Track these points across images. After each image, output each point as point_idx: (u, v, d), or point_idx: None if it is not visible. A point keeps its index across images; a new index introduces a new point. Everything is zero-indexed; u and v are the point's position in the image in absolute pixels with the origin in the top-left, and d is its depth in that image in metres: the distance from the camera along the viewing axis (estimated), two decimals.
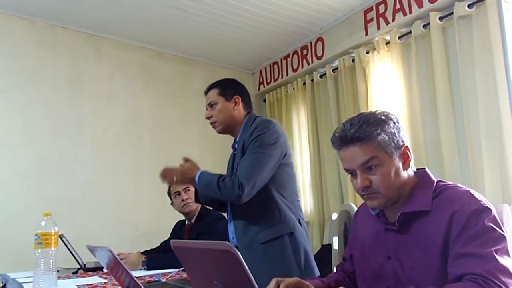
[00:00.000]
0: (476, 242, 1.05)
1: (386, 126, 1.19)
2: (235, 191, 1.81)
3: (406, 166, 1.21)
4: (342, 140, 1.21)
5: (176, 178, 1.94)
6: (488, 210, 1.09)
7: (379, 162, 1.17)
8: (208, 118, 2.07)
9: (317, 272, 1.93)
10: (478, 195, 1.13)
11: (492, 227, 1.07)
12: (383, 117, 1.21)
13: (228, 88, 2.08)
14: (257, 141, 1.89)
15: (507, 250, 1.05)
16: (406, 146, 1.22)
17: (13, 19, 3.41)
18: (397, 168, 1.19)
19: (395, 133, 1.20)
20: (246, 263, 1.74)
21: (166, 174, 1.96)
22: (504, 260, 1.02)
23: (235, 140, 2.11)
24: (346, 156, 1.21)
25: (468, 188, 1.16)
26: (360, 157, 1.18)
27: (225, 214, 2.65)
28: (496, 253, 1.03)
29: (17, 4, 3.31)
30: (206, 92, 2.11)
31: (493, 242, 1.05)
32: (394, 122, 1.21)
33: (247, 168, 1.85)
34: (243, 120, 2.06)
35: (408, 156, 1.22)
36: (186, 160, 1.99)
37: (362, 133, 1.17)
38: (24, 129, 3.36)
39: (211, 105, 2.06)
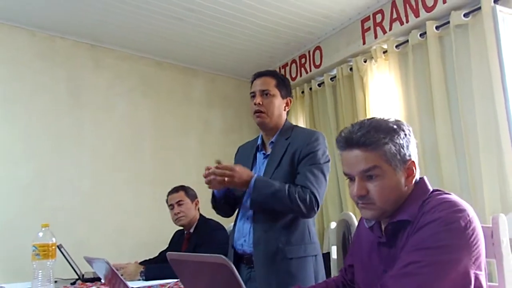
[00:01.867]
0: (416, 252, 1.03)
1: (396, 136, 1.12)
2: (311, 205, 1.73)
3: (408, 182, 1.15)
4: (347, 141, 1.15)
5: (228, 180, 1.72)
6: (452, 217, 1.03)
7: (380, 173, 1.11)
8: (258, 104, 1.87)
9: None
10: (460, 204, 1.07)
11: (443, 237, 1.02)
12: (394, 126, 1.14)
13: (285, 85, 1.95)
14: (319, 154, 1.81)
15: (449, 262, 1.00)
16: (413, 162, 1.15)
17: (13, 30, 3.44)
18: (398, 182, 1.13)
19: (403, 145, 1.13)
20: (263, 273, 1.72)
21: (217, 174, 1.72)
22: (429, 277, 0.99)
23: (262, 140, 1.98)
24: (348, 159, 1.16)
25: (454, 198, 1.10)
26: (361, 164, 1.12)
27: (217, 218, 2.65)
28: (424, 267, 1.00)
29: (18, 15, 3.34)
30: (259, 76, 1.93)
31: (431, 255, 1.01)
32: (405, 134, 1.14)
33: (318, 183, 1.77)
34: (282, 125, 1.94)
35: (413, 171, 1.15)
36: (218, 162, 1.77)
37: (369, 139, 1.11)
38: (24, 140, 3.37)
39: (265, 93, 1.88)
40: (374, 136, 1.11)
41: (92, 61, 3.83)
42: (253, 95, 1.91)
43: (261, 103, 1.87)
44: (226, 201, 1.97)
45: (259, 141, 2.00)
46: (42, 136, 3.46)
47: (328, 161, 1.86)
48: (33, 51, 3.53)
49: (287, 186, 1.73)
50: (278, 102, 1.91)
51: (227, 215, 2.07)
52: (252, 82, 1.97)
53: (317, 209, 1.76)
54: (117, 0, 3.16)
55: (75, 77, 3.71)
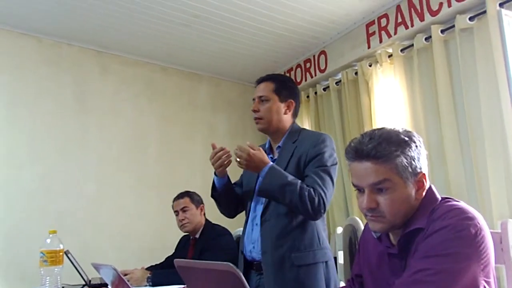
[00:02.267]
0: (425, 260, 1.03)
1: (407, 149, 1.10)
2: (320, 207, 1.70)
3: (418, 194, 1.13)
4: (357, 153, 1.12)
5: (241, 160, 1.74)
6: (462, 225, 1.02)
7: (391, 186, 1.09)
8: (254, 111, 1.90)
9: None
10: (470, 211, 1.06)
11: (453, 244, 1.01)
12: (406, 138, 1.12)
13: (285, 88, 1.93)
14: (326, 157, 1.79)
15: (458, 270, 1.00)
16: (423, 174, 1.13)
17: (20, 36, 3.47)
18: (408, 195, 1.11)
19: (414, 158, 1.11)
20: (272, 281, 1.71)
21: (240, 150, 1.76)
22: (438, 285, 0.98)
23: (270, 145, 1.98)
24: (357, 171, 1.13)
25: (463, 205, 1.09)
26: (372, 176, 1.10)
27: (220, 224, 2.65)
28: (434, 275, 0.99)
29: (24, 22, 3.37)
30: (259, 82, 1.95)
31: (441, 263, 1.00)
32: (416, 146, 1.12)
33: (325, 185, 1.74)
34: (288, 128, 1.92)
35: (423, 184, 1.13)
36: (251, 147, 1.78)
37: (380, 151, 1.09)
38: (30, 145, 3.39)
39: (261, 99, 1.89)
40: (385, 149, 1.09)
41: (98, 67, 3.86)
42: (254, 101, 1.93)
43: (257, 109, 1.89)
44: (226, 193, 1.95)
45: (267, 145, 2.00)
46: (48, 141, 3.48)
47: (336, 163, 1.83)
48: (39, 57, 3.55)
49: (299, 182, 1.71)
50: (276, 107, 1.89)
51: (229, 214, 2.06)
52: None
53: (324, 212, 1.74)
54: (123, 7, 3.18)
55: (81, 83, 3.73)
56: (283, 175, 1.73)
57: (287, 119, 1.93)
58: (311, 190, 1.70)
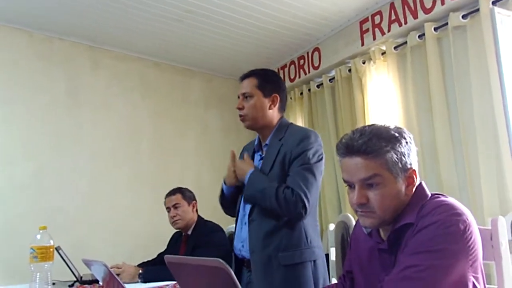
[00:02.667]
0: (414, 256, 1.04)
1: (398, 144, 1.12)
2: (297, 208, 1.68)
3: (408, 190, 1.14)
4: (348, 148, 1.13)
5: (232, 171, 1.83)
6: (450, 220, 1.03)
7: (381, 181, 1.10)
8: (238, 109, 1.89)
9: None
10: (458, 207, 1.07)
11: (442, 240, 1.02)
12: (396, 134, 1.13)
13: (269, 82, 1.89)
14: (309, 154, 1.76)
15: (447, 266, 1.00)
16: (414, 170, 1.14)
17: (11, 31, 3.43)
18: (398, 190, 1.12)
19: (404, 154, 1.12)
20: (261, 281, 1.72)
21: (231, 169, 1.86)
22: (427, 281, 0.99)
23: (260, 142, 1.96)
24: (348, 166, 1.14)
25: (452, 201, 1.10)
26: (362, 172, 1.11)
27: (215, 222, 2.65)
28: (423, 271, 1.00)
29: (15, 16, 3.33)
30: (243, 79, 1.92)
31: (429, 259, 1.01)
32: (406, 142, 1.14)
33: (306, 185, 1.71)
34: (275, 123, 1.90)
35: (413, 180, 1.14)
36: (233, 155, 1.89)
37: (370, 147, 1.10)
38: (22, 140, 3.36)
39: (245, 96, 1.88)
40: (375, 144, 1.10)
41: (90, 62, 3.83)
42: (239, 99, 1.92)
43: (241, 107, 1.88)
44: (234, 199, 1.96)
45: (256, 142, 1.99)
46: (41, 137, 3.45)
47: (320, 159, 1.81)
48: (31, 52, 3.52)
49: (276, 185, 1.71)
50: (260, 103, 1.86)
51: (228, 213, 2.07)
52: None
53: (305, 212, 1.70)
54: (115, 1, 3.15)
55: (74, 78, 3.71)
56: (262, 179, 1.75)
57: (273, 114, 1.89)
58: (289, 191, 1.69)
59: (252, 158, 1.96)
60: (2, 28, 3.39)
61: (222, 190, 1.99)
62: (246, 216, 1.83)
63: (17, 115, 3.37)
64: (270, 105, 1.88)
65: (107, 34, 3.70)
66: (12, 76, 3.39)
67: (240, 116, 1.89)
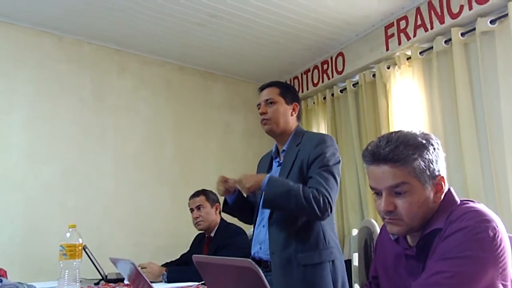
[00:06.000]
0: (442, 262, 1.02)
1: (425, 152, 1.10)
2: (325, 206, 1.73)
3: (437, 198, 1.12)
4: (375, 156, 1.12)
5: (240, 181, 1.82)
6: (479, 227, 1.01)
7: (408, 189, 1.09)
8: (263, 113, 1.97)
9: None
10: (488, 214, 1.05)
11: (471, 247, 1.00)
12: (423, 141, 1.11)
13: (289, 92, 2.02)
14: (328, 157, 1.83)
15: (475, 274, 0.99)
16: (442, 177, 1.13)
17: (42, 34, 3.53)
18: (426, 198, 1.10)
19: (432, 161, 1.11)
20: (281, 281, 1.76)
21: (223, 181, 1.91)
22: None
23: (277, 148, 2.04)
24: (375, 174, 1.13)
25: (482, 207, 1.09)
26: (389, 180, 1.10)
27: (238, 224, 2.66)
28: (451, 278, 0.99)
29: (46, 21, 3.43)
30: (264, 88, 2.04)
31: (458, 265, 1.00)
32: (434, 148, 1.12)
33: (329, 185, 1.78)
34: (292, 130, 1.99)
35: (442, 187, 1.13)
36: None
37: (398, 155, 1.08)
38: (50, 141, 3.45)
39: (269, 102, 1.97)
40: (403, 152, 1.09)
41: (116, 66, 3.90)
42: (259, 106, 2.01)
43: (266, 111, 1.97)
44: (239, 207, 2.04)
45: (273, 149, 2.07)
46: (67, 138, 3.53)
47: (338, 162, 1.88)
48: (60, 55, 3.61)
49: (301, 185, 1.75)
50: (283, 109, 1.97)
51: (248, 221, 2.12)
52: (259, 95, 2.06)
53: (330, 211, 1.77)
54: (142, 6, 3.21)
55: (100, 81, 3.78)
56: (284, 182, 1.79)
57: (293, 121, 2.01)
58: (315, 191, 1.74)
59: (270, 166, 2.05)
60: (34, 31, 3.49)
61: (225, 201, 2.07)
62: (266, 219, 1.89)
63: (44, 116, 3.46)
64: (291, 112, 2.00)
65: (134, 39, 3.77)
66: (40, 78, 3.48)
67: (263, 120, 1.98)
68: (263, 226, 1.91)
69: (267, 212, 1.90)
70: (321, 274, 1.77)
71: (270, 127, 1.96)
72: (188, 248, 2.97)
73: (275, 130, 1.97)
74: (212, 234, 2.75)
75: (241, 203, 2.04)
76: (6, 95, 3.31)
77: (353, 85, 3.88)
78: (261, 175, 1.83)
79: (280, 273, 1.78)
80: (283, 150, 1.98)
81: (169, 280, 2.29)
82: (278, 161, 2.00)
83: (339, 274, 1.82)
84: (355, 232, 2.58)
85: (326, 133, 4.09)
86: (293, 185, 1.75)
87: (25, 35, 3.46)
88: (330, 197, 1.75)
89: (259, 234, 1.92)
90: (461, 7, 2.88)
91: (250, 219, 2.08)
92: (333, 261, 1.81)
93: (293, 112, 2.00)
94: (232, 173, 1.98)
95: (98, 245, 3.04)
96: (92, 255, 2.39)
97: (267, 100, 1.98)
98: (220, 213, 2.83)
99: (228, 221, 2.79)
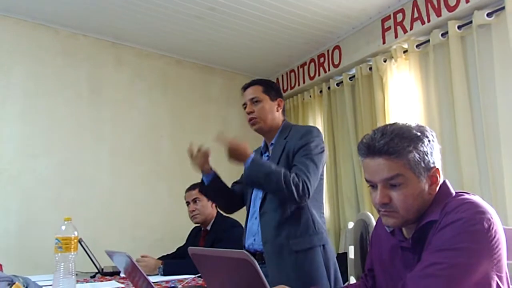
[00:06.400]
0: (436, 254, 1.03)
1: (420, 144, 1.10)
2: (304, 191, 1.76)
3: (432, 189, 1.13)
4: (369, 149, 1.12)
5: (228, 147, 1.84)
6: (474, 219, 1.02)
7: (403, 181, 1.09)
8: (250, 112, 2.01)
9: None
10: (482, 205, 1.06)
11: (465, 238, 1.01)
12: (418, 133, 1.11)
13: (272, 88, 2.05)
14: (311, 146, 1.86)
15: (470, 265, 1.00)
16: (437, 169, 1.13)
17: (38, 27, 3.51)
18: (421, 190, 1.11)
19: (427, 153, 1.11)
20: (274, 270, 1.77)
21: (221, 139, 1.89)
22: (450, 279, 0.99)
23: (265, 143, 2.08)
24: (370, 167, 1.13)
25: (476, 199, 1.09)
26: (384, 172, 1.10)
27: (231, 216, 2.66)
28: (446, 269, 0.99)
29: (43, 14, 3.41)
30: (247, 88, 2.06)
31: (453, 257, 1.00)
32: (429, 140, 1.12)
33: (309, 171, 1.80)
34: (280, 125, 2.03)
35: (437, 179, 1.13)
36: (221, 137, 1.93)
37: (392, 147, 1.09)
38: (46, 134, 3.44)
39: (254, 101, 2.01)
40: (397, 145, 1.09)
41: (113, 59, 3.89)
42: (245, 106, 2.04)
43: (253, 110, 2.00)
44: (214, 189, 2.07)
45: (262, 145, 2.12)
46: (63, 131, 3.52)
47: (322, 152, 1.90)
48: (56, 48, 3.59)
49: (283, 169, 1.79)
50: (269, 106, 2.01)
51: (226, 209, 2.24)
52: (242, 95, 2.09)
53: (308, 196, 1.80)
54: None
55: (97, 74, 3.77)
56: (267, 164, 1.83)
57: (279, 116, 2.04)
58: (295, 176, 1.78)
59: None
60: (30, 24, 3.47)
61: (202, 180, 2.10)
62: (257, 211, 1.94)
63: (40, 109, 3.44)
64: (277, 108, 2.04)
65: (130, 31, 3.75)
66: (36, 71, 3.46)
67: (251, 119, 2.01)
68: (255, 218, 1.95)
69: (258, 203, 1.94)
70: (313, 259, 1.82)
71: (259, 125, 2.01)
72: (184, 242, 2.97)
73: (264, 128, 2.01)
74: (209, 227, 2.75)
75: (217, 186, 2.07)
76: (2, 88, 3.29)
77: (349, 78, 3.88)
78: (247, 153, 1.84)
79: (274, 261, 1.82)
80: (272, 144, 2.03)
81: (165, 273, 2.29)
82: (268, 155, 2.04)
83: (330, 258, 1.87)
84: (351, 225, 2.59)
85: (323, 126, 4.10)
86: (275, 169, 1.79)
87: (21, 28, 3.43)
88: (309, 183, 1.78)
89: (252, 226, 1.96)
90: (458, 0, 2.88)
91: (229, 207, 2.17)
92: (323, 246, 1.86)
93: (279, 108, 2.04)
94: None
95: (94, 238, 3.03)
96: (88, 248, 2.39)
97: (252, 99, 2.01)
98: (216, 206, 2.83)
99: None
